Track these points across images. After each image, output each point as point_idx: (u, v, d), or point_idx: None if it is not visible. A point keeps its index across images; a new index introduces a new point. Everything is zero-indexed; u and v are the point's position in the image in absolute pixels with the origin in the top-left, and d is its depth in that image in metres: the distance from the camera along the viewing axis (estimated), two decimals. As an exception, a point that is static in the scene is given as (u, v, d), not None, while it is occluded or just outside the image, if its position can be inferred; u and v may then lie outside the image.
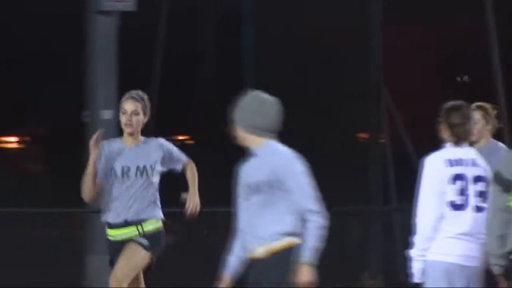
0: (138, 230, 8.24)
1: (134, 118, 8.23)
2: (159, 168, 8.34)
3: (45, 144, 18.29)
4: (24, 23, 16.70)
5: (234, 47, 18.29)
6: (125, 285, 8.24)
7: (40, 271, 15.24)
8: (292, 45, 18.64)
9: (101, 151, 8.20)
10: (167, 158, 8.37)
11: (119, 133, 14.02)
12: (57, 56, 16.30)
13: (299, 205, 5.69)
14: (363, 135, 20.55)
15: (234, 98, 6.23)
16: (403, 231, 14.69)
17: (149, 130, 14.67)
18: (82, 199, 15.29)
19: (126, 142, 8.38)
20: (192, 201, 8.35)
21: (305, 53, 18.88)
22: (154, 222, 8.32)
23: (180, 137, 18.84)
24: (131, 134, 8.28)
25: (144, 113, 8.39)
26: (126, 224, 8.27)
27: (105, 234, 8.51)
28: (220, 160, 16.00)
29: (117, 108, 13.76)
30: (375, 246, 17.87)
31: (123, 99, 8.39)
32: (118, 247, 8.32)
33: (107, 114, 14.31)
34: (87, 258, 14.26)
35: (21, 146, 18.54)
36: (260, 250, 5.75)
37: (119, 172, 8.28)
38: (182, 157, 8.56)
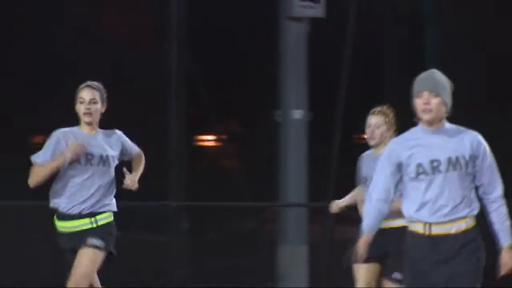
0: (92, 223, 8.04)
1: (93, 107, 8.05)
2: (116, 158, 8.23)
3: (240, 142, 19.38)
4: (226, 29, 17.63)
5: (417, 47, 18.81)
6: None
7: (236, 262, 16.13)
8: (473, 46, 18.93)
9: (63, 139, 7.98)
10: (124, 150, 8.28)
11: (309, 131, 15.06)
12: (252, 60, 17.16)
13: (486, 186, 5.80)
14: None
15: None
16: None
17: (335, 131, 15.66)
18: (275, 193, 16.17)
19: (84, 131, 8.15)
20: (132, 178, 8.22)
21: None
22: (108, 216, 8.13)
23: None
24: (89, 124, 8.08)
25: (102, 102, 8.24)
26: (80, 216, 8.03)
27: (56, 225, 8.17)
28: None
29: (307, 108, 14.74)
30: None
31: (79, 88, 8.18)
32: (70, 242, 8.08)
33: (297, 114, 15.05)
34: (279, 249, 15.07)
35: (219, 144, 19.67)
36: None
37: (83, 159, 8.03)
38: (135, 148, 8.49)
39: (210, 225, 17.77)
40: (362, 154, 9.24)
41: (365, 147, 10.04)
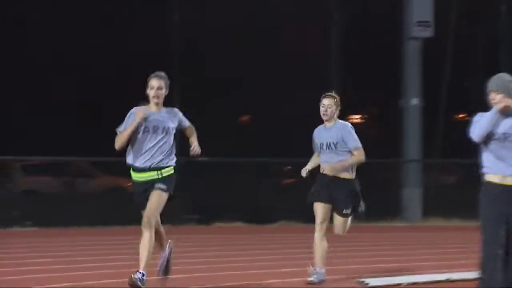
0: (158, 175, 9.26)
1: (159, 92, 9.24)
2: (175, 129, 9.39)
3: (378, 119, 26.47)
4: (370, 45, 24.47)
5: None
6: (153, 220, 9.27)
7: (378, 198, 21.27)
8: None
9: (134, 114, 9.21)
10: (179, 122, 9.44)
11: (424, 115, 21.67)
12: (386, 65, 23.53)
13: None
14: None
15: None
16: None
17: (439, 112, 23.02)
18: (401, 152, 21.72)
19: (152, 109, 9.27)
20: (194, 145, 9.47)
21: None
22: (170, 169, 9.34)
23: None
24: (156, 104, 9.26)
25: (166, 88, 9.44)
26: (149, 169, 9.27)
27: (131, 176, 9.41)
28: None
29: (421, 97, 21.12)
30: None
31: (150, 77, 9.34)
32: (142, 187, 9.32)
33: (414, 101, 21.61)
34: (403, 190, 21.73)
35: (364, 120, 27.73)
36: None
37: (151, 130, 9.23)
38: (187, 122, 9.58)
39: (362, 174, 23.58)
40: (317, 127, 10.71)
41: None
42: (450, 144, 22.54)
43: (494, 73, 7.53)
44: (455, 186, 23.67)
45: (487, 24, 24.50)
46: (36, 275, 11.67)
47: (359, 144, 10.38)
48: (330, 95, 10.46)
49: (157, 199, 9.14)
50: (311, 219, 10.81)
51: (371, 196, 21.64)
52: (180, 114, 9.46)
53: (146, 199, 9.25)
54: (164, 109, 9.34)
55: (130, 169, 9.41)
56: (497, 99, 7.49)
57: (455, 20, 23.68)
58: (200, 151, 9.30)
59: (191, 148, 9.32)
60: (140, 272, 9.03)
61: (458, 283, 11.50)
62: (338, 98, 10.47)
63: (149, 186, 9.25)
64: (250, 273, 12.66)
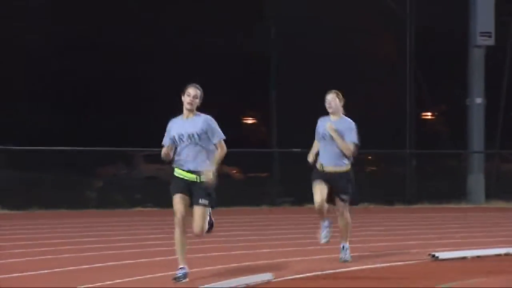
0: (196, 178, 9.46)
1: (194, 101, 9.43)
2: (204, 135, 9.44)
3: (447, 116, 29.82)
4: (444, 56, 27.17)
5: None
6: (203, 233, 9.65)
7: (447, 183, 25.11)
8: None
9: (171, 127, 9.54)
10: (208, 130, 9.45)
11: (486, 112, 24.72)
12: (455, 69, 26.24)
13: None
14: None
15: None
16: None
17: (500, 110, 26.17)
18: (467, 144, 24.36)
19: (183, 116, 9.52)
20: (206, 173, 9.43)
21: None
22: (208, 174, 9.41)
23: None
24: (189, 110, 9.47)
25: (200, 98, 9.59)
26: (188, 171, 9.50)
27: (174, 171, 9.63)
28: None
29: (484, 97, 23.98)
30: None
31: (188, 86, 9.57)
32: (183, 182, 9.56)
33: (478, 100, 24.26)
34: (468, 176, 24.43)
35: (435, 117, 31.00)
36: None
37: (177, 139, 9.48)
38: (219, 134, 9.60)
39: (433, 163, 27.25)
40: (320, 118, 11.14)
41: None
42: (508, 137, 25.46)
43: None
44: (513, 172, 26.72)
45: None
46: (152, 248, 13.07)
47: (357, 141, 11.00)
48: (333, 91, 11.10)
49: (201, 215, 9.53)
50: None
51: (441, 181, 25.63)
52: (211, 122, 9.54)
53: (181, 190, 9.51)
54: (195, 116, 9.53)
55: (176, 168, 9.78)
56: None
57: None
58: (212, 178, 9.42)
59: (203, 174, 9.46)
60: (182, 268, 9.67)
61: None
62: (340, 94, 11.05)
63: (188, 185, 9.54)
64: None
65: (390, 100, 25.89)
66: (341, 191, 11.09)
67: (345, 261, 11.33)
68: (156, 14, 28.01)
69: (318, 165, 11.22)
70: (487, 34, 23.35)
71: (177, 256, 9.79)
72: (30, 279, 10.23)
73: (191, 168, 9.49)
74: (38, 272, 10.65)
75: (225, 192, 22.69)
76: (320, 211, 11.22)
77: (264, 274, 10.51)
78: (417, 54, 25.67)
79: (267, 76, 27.10)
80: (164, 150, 9.55)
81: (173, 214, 9.73)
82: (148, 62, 27.39)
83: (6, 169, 23.86)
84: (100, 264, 11.39)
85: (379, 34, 26.98)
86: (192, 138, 9.43)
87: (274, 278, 10.43)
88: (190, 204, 9.63)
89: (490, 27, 23.52)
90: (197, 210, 9.53)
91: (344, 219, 11.39)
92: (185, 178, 9.54)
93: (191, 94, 9.39)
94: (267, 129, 28.78)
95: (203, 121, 9.45)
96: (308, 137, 11.74)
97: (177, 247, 9.62)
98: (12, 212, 22.03)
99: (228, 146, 9.59)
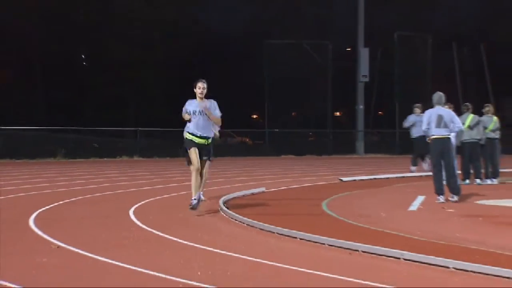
0: (206, 142, 12.93)
1: (204, 91, 12.74)
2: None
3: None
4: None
5: None
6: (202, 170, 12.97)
7: None
8: None
9: (188, 104, 12.90)
10: (214, 109, 12.78)
11: (365, 112, 45.68)
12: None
13: None
14: None
15: None
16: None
17: None
18: None
19: (197, 100, 12.85)
20: (203, 106, 12.72)
21: None
22: (212, 139, 13.05)
23: None
24: (200, 98, 12.79)
25: (206, 88, 12.96)
26: (200, 137, 12.83)
27: (187, 136, 12.95)
28: None
29: (363, 104, 45.45)
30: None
31: (198, 80, 12.92)
32: (195, 145, 12.87)
33: (361, 106, 45.34)
34: None
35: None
36: None
37: (198, 113, 12.73)
38: (218, 112, 12.89)
39: (341, 136, 46.80)
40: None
41: None
42: (374, 124, 44.82)
43: None
44: None
45: None
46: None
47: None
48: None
49: (206, 166, 13.41)
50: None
51: (344, 144, 45.09)
52: (215, 104, 12.92)
53: (195, 149, 12.85)
54: (205, 100, 12.89)
55: (188, 133, 13.04)
56: None
57: None
58: (218, 135, 14.19)
59: (203, 107, 12.81)
60: (195, 199, 12.83)
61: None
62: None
63: (199, 147, 12.94)
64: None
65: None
66: (206, 154, 13.44)
67: (194, 208, 13.26)
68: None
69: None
70: (365, 76, 44.53)
71: (191, 191, 13.26)
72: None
73: (203, 134, 12.91)
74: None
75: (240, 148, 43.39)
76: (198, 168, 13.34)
77: (259, 188, 17.78)
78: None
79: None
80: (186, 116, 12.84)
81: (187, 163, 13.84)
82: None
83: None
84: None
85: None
86: (202, 113, 12.73)
87: (267, 189, 17.95)
88: (200, 156, 13.09)
89: (367, 71, 44.62)
90: (203, 163, 13.08)
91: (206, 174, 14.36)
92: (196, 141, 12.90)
93: (201, 86, 12.76)
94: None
95: (210, 102, 12.83)
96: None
97: (193, 185, 12.97)
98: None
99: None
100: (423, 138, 18.43)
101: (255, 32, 53.90)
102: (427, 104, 15.72)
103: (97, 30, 52.64)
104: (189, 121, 12.79)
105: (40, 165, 32.47)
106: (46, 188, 19.28)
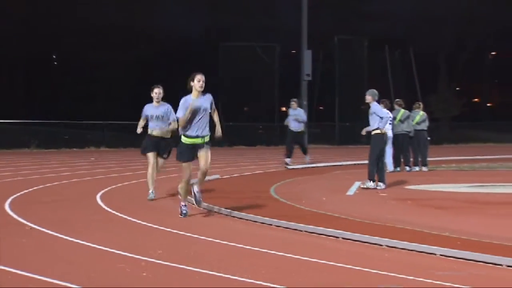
0: (202, 140, 10.06)
1: (203, 84, 9.97)
2: (209, 109, 9.98)
3: None
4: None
5: None
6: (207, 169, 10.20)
7: None
8: None
9: (185, 101, 9.93)
10: (211, 104, 10.08)
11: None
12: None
13: None
14: None
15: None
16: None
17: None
18: None
19: (193, 96, 9.95)
20: (217, 131, 10.25)
21: None
22: (209, 137, 10.14)
23: None
24: (199, 92, 10.00)
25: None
26: (196, 137, 10.03)
27: (182, 140, 10.07)
28: None
29: (307, 100, 45.86)
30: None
31: (196, 73, 10.03)
32: (191, 147, 10.03)
33: (305, 102, 45.63)
34: None
35: None
36: None
37: (201, 110, 9.93)
38: (213, 106, 10.27)
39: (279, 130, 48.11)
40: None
41: None
42: (317, 117, 45.82)
43: None
44: None
45: None
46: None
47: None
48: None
49: (207, 153, 10.18)
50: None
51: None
52: (212, 98, 10.25)
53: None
54: (201, 95, 10.09)
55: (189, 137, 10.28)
56: None
57: None
58: (220, 136, 10.35)
59: (216, 130, 10.21)
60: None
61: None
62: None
63: (195, 147, 10.16)
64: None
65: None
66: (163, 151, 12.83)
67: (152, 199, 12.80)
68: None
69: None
70: (308, 75, 44.93)
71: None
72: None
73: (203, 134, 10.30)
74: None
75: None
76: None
77: (214, 175, 17.83)
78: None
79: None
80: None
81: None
82: None
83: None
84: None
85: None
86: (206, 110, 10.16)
87: (221, 177, 18.37)
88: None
89: (309, 71, 44.95)
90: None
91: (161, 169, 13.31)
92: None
93: (201, 79, 10.05)
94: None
95: (209, 98, 10.24)
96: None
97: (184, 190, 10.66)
98: None
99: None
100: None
101: (212, 36, 54.44)
102: (363, 101, 15.80)
103: (72, 35, 53.79)
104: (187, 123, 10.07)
105: (16, 155, 32.43)
106: (20, 175, 19.29)
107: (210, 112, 10.16)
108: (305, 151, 23.45)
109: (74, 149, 38.23)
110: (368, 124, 15.21)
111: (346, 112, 47.72)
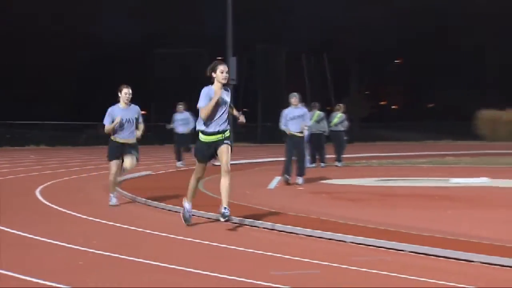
0: (222, 136, 8.47)
1: (228, 76, 8.38)
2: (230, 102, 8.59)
3: None
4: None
5: None
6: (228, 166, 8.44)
7: None
8: None
9: (209, 91, 8.37)
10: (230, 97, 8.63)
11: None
12: None
13: None
14: None
15: None
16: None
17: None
18: None
19: (215, 87, 8.44)
20: (241, 117, 8.60)
21: None
22: (229, 132, 8.61)
23: None
24: (223, 84, 8.47)
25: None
26: (218, 132, 8.50)
27: (200, 138, 8.45)
28: None
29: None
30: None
31: (221, 65, 8.42)
32: (209, 145, 8.51)
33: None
34: None
35: None
36: None
37: (223, 103, 8.45)
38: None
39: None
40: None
41: None
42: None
43: None
44: None
45: None
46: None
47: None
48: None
49: (227, 150, 8.53)
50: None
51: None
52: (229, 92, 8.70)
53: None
54: (223, 89, 8.55)
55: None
56: None
57: None
58: (243, 121, 8.70)
59: (239, 117, 8.58)
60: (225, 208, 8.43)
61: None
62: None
63: (214, 144, 8.52)
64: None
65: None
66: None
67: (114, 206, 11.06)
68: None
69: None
70: (233, 80, 44.67)
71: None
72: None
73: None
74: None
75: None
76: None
77: (145, 171, 18.16)
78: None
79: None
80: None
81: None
82: None
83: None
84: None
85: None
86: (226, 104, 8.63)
87: (153, 172, 18.70)
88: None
89: (234, 76, 44.76)
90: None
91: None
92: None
93: (224, 70, 8.52)
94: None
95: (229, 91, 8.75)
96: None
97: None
98: None
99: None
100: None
101: (147, 43, 53.99)
102: (286, 103, 15.48)
103: (20, 41, 53.88)
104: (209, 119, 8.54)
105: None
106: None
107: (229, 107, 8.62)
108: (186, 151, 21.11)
109: (15, 147, 37.29)
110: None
111: (268, 113, 47.98)
